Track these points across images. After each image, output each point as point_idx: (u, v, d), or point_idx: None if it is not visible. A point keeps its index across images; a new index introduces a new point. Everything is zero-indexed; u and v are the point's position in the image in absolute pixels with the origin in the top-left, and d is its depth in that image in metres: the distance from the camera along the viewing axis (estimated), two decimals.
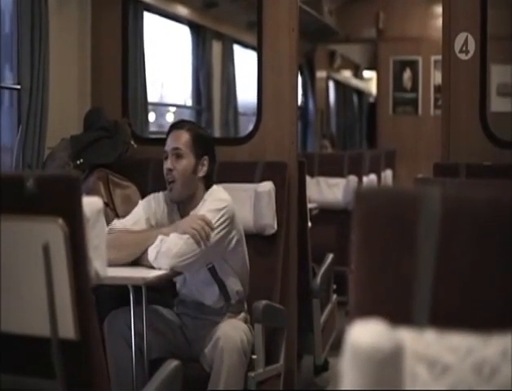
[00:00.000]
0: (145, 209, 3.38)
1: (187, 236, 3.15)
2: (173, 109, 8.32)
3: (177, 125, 3.44)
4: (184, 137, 3.34)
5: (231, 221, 3.29)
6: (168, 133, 3.42)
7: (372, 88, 12.89)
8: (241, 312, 3.48)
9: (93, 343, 1.89)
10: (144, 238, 3.19)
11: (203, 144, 3.38)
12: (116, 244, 3.08)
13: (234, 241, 3.33)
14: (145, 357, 3.12)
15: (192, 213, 3.31)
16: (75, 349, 1.85)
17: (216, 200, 3.31)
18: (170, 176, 3.31)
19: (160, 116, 7.97)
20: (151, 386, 2.08)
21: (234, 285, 3.42)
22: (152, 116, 7.58)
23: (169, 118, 8.16)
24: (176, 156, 3.31)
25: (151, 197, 3.44)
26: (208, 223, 3.19)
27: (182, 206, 3.39)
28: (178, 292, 3.52)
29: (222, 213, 3.26)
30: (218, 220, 3.24)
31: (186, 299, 3.51)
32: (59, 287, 1.79)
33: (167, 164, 3.32)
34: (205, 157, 3.36)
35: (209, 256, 3.25)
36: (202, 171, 3.35)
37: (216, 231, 3.22)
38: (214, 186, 3.40)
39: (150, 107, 7.23)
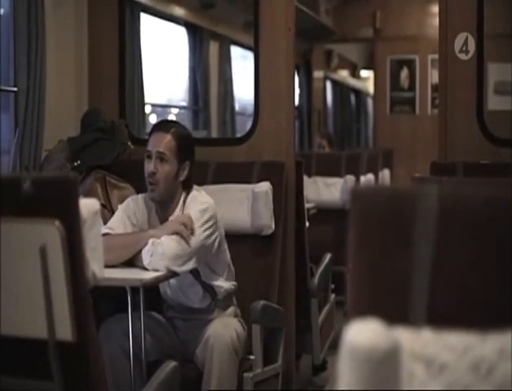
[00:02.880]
0: (125, 210, 3.42)
1: (177, 236, 3.17)
2: (174, 110, 8.31)
3: (162, 127, 3.42)
4: (169, 142, 3.34)
5: (215, 221, 3.32)
6: (152, 131, 3.42)
7: (370, 87, 12.90)
8: (230, 306, 3.49)
9: (90, 345, 1.89)
10: (133, 241, 3.22)
11: (186, 149, 3.39)
12: (104, 247, 3.08)
13: (216, 243, 3.35)
14: (143, 359, 3.11)
15: (170, 217, 3.34)
16: (72, 351, 1.85)
17: (201, 202, 3.35)
18: (153, 179, 3.32)
19: (159, 117, 7.96)
20: (149, 388, 2.08)
21: (220, 284, 3.44)
22: (152, 118, 7.58)
23: (174, 118, 8.16)
24: (160, 160, 3.33)
25: (129, 199, 3.49)
26: (189, 218, 3.24)
27: (160, 208, 3.41)
28: (163, 296, 3.53)
29: (206, 213, 3.29)
30: (205, 220, 3.27)
31: (172, 303, 3.52)
32: (56, 288, 1.79)
33: (150, 167, 3.33)
34: (187, 162, 3.38)
35: (202, 254, 3.27)
36: (183, 175, 3.38)
37: (202, 229, 3.25)
38: (195, 191, 3.42)
39: (150, 108, 7.25)
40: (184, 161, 3.37)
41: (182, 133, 3.43)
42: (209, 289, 3.42)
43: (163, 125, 3.47)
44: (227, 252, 3.48)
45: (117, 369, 3.21)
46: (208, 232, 3.28)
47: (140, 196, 3.47)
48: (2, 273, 1.84)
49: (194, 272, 3.37)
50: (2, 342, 1.92)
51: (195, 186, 3.45)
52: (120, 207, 3.46)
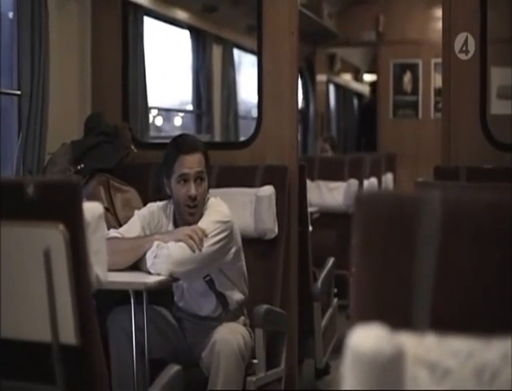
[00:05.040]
0: (140, 219, 3.38)
1: (182, 243, 3.14)
2: (180, 114, 8.33)
3: (191, 147, 3.32)
4: (202, 158, 3.31)
5: (230, 234, 3.27)
6: (179, 154, 3.29)
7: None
8: (240, 316, 3.48)
9: (94, 348, 1.89)
10: (139, 244, 3.19)
11: (209, 159, 3.37)
12: (110, 250, 3.06)
13: (232, 253, 3.33)
14: (146, 358, 3.10)
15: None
16: (76, 355, 1.85)
17: (217, 212, 3.30)
18: (194, 202, 3.27)
19: (162, 120, 7.97)
20: None
21: (233, 295, 3.42)
22: (157, 121, 7.60)
23: (177, 122, 8.19)
24: (200, 180, 3.29)
25: (146, 209, 3.44)
26: (201, 230, 3.18)
27: (180, 219, 3.36)
28: (176, 304, 3.52)
29: (222, 226, 3.24)
30: (218, 232, 3.22)
31: (183, 310, 3.51)
32: (59, 292, 1.79)
33: (191, 190, 3.26)
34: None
35: (206, 265, 3.24)
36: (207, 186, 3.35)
37: (214, 241, 3.20)
38: (212, 198, 3.37)
39: (154, 111, 7.26)
40: (210, 172, 3.36)
41: (203, 144, 3.41)
42: (222, 299, 3.40)
43: (191, 145, 3.35)
44: (244, 262, 3.45)
45: (122, 359, 3.19)
46: (218, 245, 3.22)
47: (157, 207, 3.41)
48: (6, 276, 1.84)
49: (210, 283, 3.35)
50: (5, 345, 1.92)
51: (211, 193, 3.40)
52: (136, 214, 3.40)
